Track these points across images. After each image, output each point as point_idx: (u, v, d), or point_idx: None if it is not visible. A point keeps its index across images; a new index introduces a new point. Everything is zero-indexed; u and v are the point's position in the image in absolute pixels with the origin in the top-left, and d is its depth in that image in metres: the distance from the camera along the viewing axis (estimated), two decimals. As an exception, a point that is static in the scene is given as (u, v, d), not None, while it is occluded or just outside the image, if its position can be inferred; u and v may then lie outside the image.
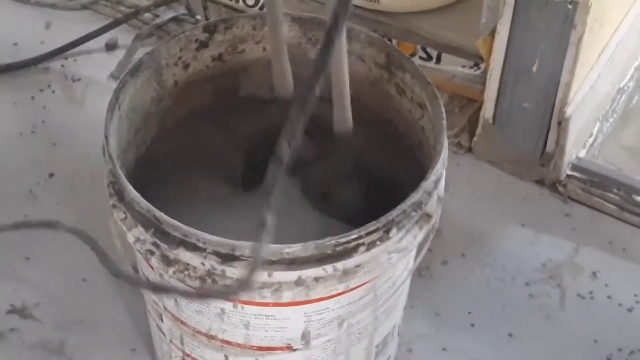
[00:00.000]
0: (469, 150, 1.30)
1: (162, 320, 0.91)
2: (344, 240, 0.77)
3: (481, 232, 1.22)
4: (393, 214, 0.79)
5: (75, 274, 1.12)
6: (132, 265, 0.95)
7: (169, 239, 0.77)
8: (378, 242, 0.79)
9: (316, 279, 0.78)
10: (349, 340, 0.89)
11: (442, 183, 0.86)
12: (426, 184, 0.81)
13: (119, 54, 1.43)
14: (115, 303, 1.11)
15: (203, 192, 0.95)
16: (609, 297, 1.15)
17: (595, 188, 1.23)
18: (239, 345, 0.85)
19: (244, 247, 0.75)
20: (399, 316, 0.97)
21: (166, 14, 1.45)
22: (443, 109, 0.87)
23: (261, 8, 1.42)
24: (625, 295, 1.15)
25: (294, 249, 0.75)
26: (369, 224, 0.78)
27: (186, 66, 0.94)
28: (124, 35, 1.44)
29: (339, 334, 0.87)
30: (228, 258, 0.76)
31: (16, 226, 1.09)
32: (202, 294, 0.79)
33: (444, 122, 0.86)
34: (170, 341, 0.92)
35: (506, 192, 1.26)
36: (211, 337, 0.86)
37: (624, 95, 1.34)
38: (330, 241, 0.76)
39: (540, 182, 1.26)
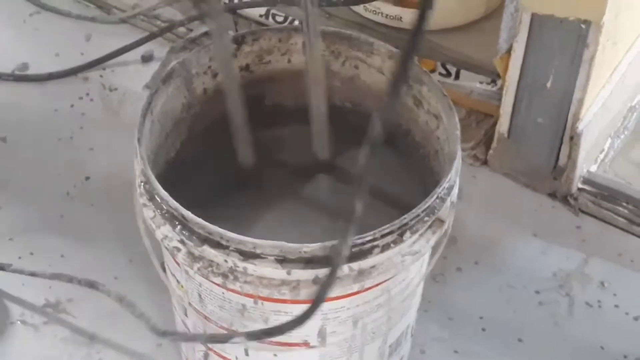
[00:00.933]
0: (485, 162, 1.30)
1: (186, 315, 0.92)
2: (359, 241, 0.77)
3: (494, 241, 1.22)
4: (407, 217, 0.79)
5: (107, 272, 1.14)
6: (161, 264, 0.97)
7: (195, 236, 0.79)
8: (392, 245, 0.80)
9: (333, 278, 0.79)
10: (363, 339, 0.89)
11: (455, 190, 0.87)
12: (439, 190, 0.82)
13: (155, 65, 1.44)
14: (143, 299, 1.12)
15: (230, 194, 0.96)
16: (616, 306, 1.15)
17: (606, 201, 1.23)
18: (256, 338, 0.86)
19: (265, 245, 0.76)
20: (412, 318, 0.97)
21: (199, 29, 1.47)
22: (457, 120, 0.88)
23: (290, 24, 1.43)
24: (632, 305, 1.15)
25: (312, 248, 0.76)
26: (384, 226, 0.78)
27: (215, 75, 0.96)
28: (159, 48, 1.45)
29: (354, 332, 0.88)
30: (249, 256, 0.77)
31: (54, 276, 1.12)
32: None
33: (458, 132, 0.87)
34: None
35: (519, 204, 1.27)
36: (234, 333, 0.87)
37: (635, 114, 1.34)
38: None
39: (552, 195, 1.26)
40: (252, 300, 0.82)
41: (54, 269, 1.15)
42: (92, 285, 1.09)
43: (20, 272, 1.12)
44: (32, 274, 1.12)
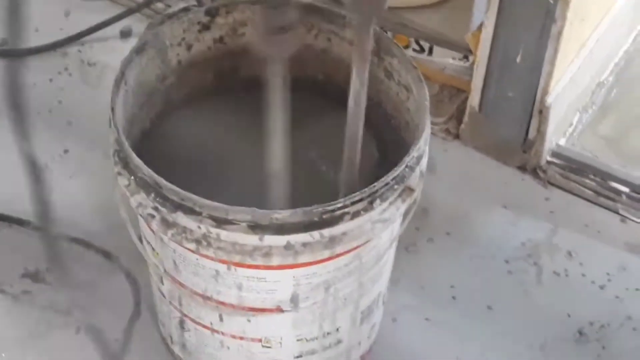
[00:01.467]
0: (457, 137, 1.31)
1: (162, 283, 0.92)
2: (330, 208, 0.78)
3: (466, 213, 1.23)
4: (377, 185, 0.80)
5: (85, 242, 1.13)
6: (138, 236, 0.96)
7: (168, 203, 0.79)
8: (362, 212, 0.80)
9: (304, 244, 0.79)
10: (335, 305, 0.90)
11: (425, 160, 0.87)
12: (409, 159, 0.82)
13: (133, 41, 1.42)
14: (121, 268, 1.12)
15: (205, 164, 0.95)
16: (582, 275, 1.15)
17: (573, 174, 1.24)
18: (232, 305, 0.86)
19: (237, 211, 0.76)
20: (384, 285, 0.98)
21: (177, 5, 1.45)
22: (427, 91, 0.87)
23: None
24: (598, 274, 1.16)
25: (283, 215, 0.77)
26: (354, 194, 0.79)
27: (189, 47, 0.95)
28: (137, 24, 1.44)
29: (326, 298, 0.88)
30: (222, 222, 0.77)
31: (75, 240, 1.12)
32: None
33: (427, 102, 0.87)
34: (170, 302, 0.93)
35: (490, 177, 1.27)
36: (207, 298, 0.87)
37: (603, 89, 1.35)
38: (317, 209, 0.77)
39: (522, 168, 1.27)
40: (225, 266, 0.82)
41: (33, 239, 1.14)
42: (108, 257, 1.12)
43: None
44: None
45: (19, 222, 1.15)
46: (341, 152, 0.90)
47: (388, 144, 0.98)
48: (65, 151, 1.27)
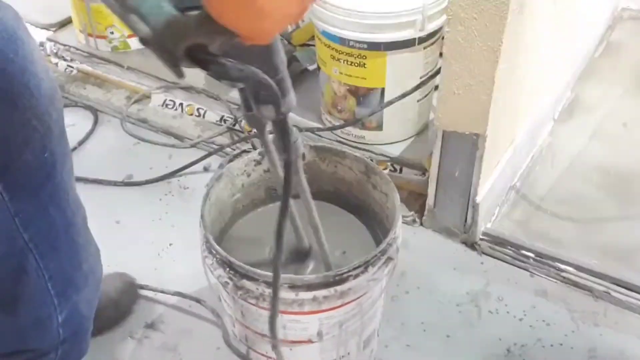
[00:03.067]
0: (421, 224, 1.32)
1: (234, 326, 0.94)
2: (340, 272, 0.81)
3: (429, 274, 1.23)
4: (369, 257, 0.83)
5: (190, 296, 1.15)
6: (218, 295, 0.98)
7: (237, 274, 0.82)
8: (361, 274, 0.83)
9: (324, 297, 0.81)
10: (346, 337, 0.91)
11: (399, 239, 0.89)
12: (389, 239, 0.85)
13: (212, 173, 1.47)
14: (208, 308, 1.14)
15: (261, 247, 0.97)
16: (507, 312, 1.16)
17: (498, 246, 1.25)
18: (280, 340, 0.88)
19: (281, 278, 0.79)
20: (377, 323, 0.98)
21: (240, 148, 1.51)
22: (398, 196, 0.91)
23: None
24: (518, 311, 1.16)
25: (310, 278, 0.79)
26: (354, 263, 0.81)
27: (249, 174, 0.99)
28: (215, 162, 1.48)
29: (340, 332, 0.89)
30: (272, 285, 0.79)
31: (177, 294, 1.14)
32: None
33: (398, 203, 0.90)
34: (239, 340, 0.95)
35: (444, 249, 1.28)
36: (264, 335, 0.89)
37: (513, 190, 1.37)
38: (331, 274, 0.80)
39: (464, 243, 1.28)
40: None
41: (149, 300, 1.16)
42: (199, 302, 1.12)
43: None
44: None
45: (141, 286, 1.17)
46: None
47: (377, 231, 1.01)
48: (170, 244, 1.29)
